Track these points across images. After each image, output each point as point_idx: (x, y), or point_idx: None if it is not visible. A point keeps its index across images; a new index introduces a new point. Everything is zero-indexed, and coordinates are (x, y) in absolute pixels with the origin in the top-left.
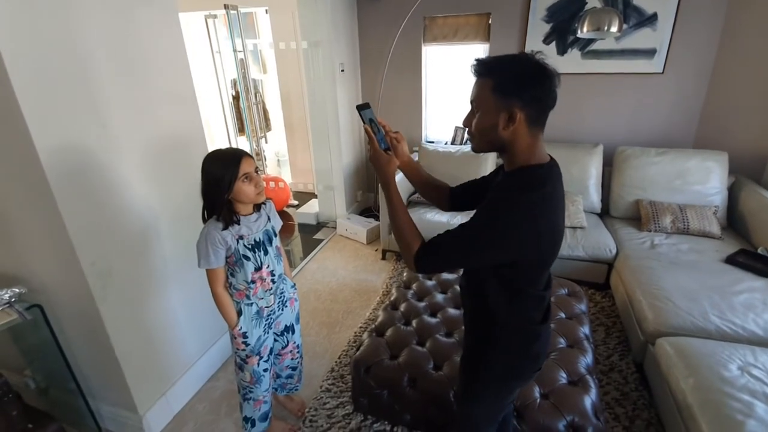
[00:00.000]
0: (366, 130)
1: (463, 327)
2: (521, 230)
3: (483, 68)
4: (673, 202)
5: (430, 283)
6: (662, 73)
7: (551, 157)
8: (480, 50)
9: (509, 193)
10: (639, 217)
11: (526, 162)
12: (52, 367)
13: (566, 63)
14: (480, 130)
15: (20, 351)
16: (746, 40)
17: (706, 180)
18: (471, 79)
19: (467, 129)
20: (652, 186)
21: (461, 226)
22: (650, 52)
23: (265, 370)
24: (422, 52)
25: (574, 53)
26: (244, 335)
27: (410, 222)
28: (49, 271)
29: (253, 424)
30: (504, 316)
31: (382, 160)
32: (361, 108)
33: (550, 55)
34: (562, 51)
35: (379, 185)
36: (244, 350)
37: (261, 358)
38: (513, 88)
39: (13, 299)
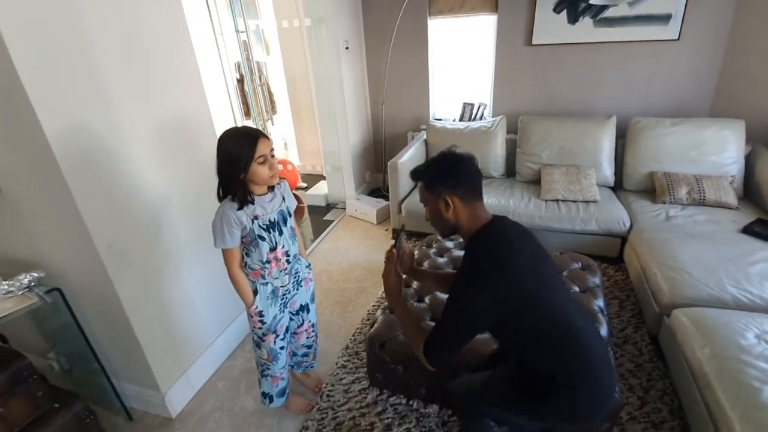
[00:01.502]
0: (392, 254)
1: None
2: (480, 294)
3: (414, 176)
4: (689, 173)
5: (441, 260)
6: (678, 39)
7: (493, 216)
8: (488, 21)
9: (467, 264)
10: (653, 189)
11: (473, 229)
12: (74, 348)
13: (577, 32)
14: (432, 218)
15: (43, 334)
16: (765, 2)
17: (722, 149)
18: (478, 53)
19: (428, 221)
20: (666, 157)
21: (443, 313)
22: (665, 18)
23: (281, 348)
24: (428, 26)
25: (585, 22)
26: (260, 314)
27: (415, 325)
28: (66, 255)
29: (271, 400)
30: (540, 368)
31: (392, 279)
32: (398, 233)
33: (560, 24)
34: (573, 19)
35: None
36: (260, 328)
37: (277, 336)
38: (438, 183)
39: (32, 283)
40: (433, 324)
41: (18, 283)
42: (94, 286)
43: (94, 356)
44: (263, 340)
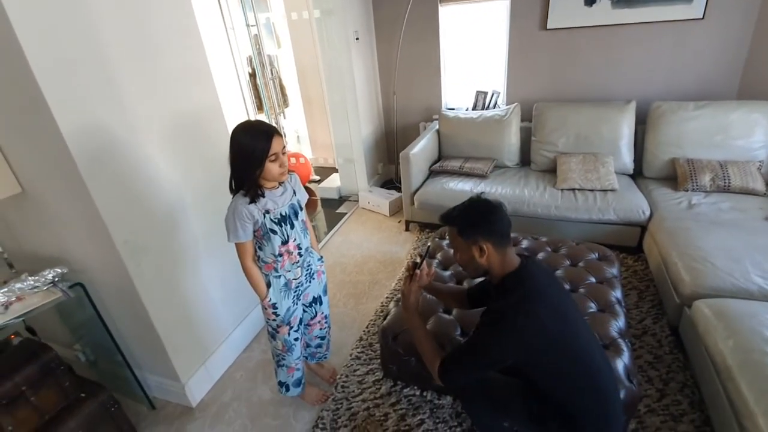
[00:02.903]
0: (415, 273)
1: None
2: (507, 336)
3: (446, 220)
4: (713, 159)
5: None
6: (702, 18)
7: (521, 257)
8: (501, 6)
9: (497, 305)
10: (675, 176)
11: (503, 273)
12: (98, 341)
13: (594, 15)
14: (464, 263)
15: (69, 328)
16: None
17: (750, 134)
18: (491, 40)
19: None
20: (689, 143)
21: (466, 342)
22: None
23: (295, 339)
24: (439, 13)
25: (603, 3)
26: (274, 306)
27: (432, 344)
28: (87, 251)
29: (288, 389)
30: (553, 401)
31: (411, 298)
32: (425, 253)
33: (576, 6)
34: (590, 2)
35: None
36: (274, 320)
37: (291, 327)
38: (472, 231)
39: (56, 279)
40: (459, 340)
41: (43, 279)
42: (113, 280)
43: (116, 348)
44: (278, 332)
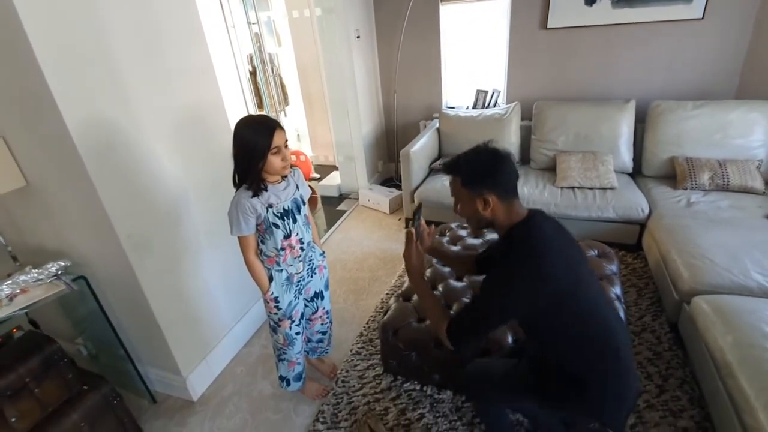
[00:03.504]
0: (411, 234)
1: None
2: (516, 288)
3: (449, 169)
4: (712, 158)
5: (455, 248)
6: (702, 18)
7: (529, 210)
8: (501, 6)
9: (503, 258)
10: (674, 175)
11: (509, 224)
12: (100, 335)
13: (595, 14)
14: (467, 215)
15: (71, 321)
16: None
17: (749, 132)
18: (491, 39)
19: (458, 214)
20: (688, 141)
21: (473, 298)
22: None
23: (297, 334)
24: (440, 12)
25: (603, 3)
26: (276, 300)
27: (438, 306)
28: (90, 245)
29: (288, 383)
30: (567, 365)
31: (414, 259)
32: (418, 210)
33: (577, 6)
34: (590, 1)
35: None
36: (276, 314)
37: (293, 322)
38: (477, 182)
39: (59, 272)
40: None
41: (47, 272)
42: (116, 274)
43: (119, 342)
44: (279, 326)
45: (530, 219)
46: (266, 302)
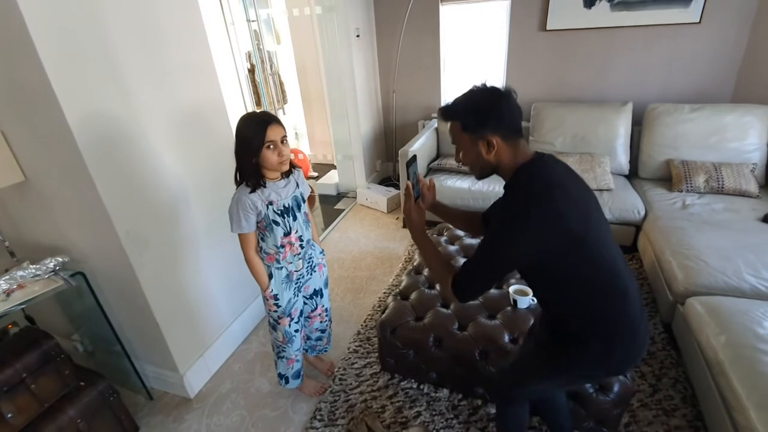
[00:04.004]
0: (408, 187)
1: None
2: (525, 228)
3: (446, 114)
4: (707, 161)
5: (453, 248)
6: (699, 22)
7: (535, 152)
8: (501, 7)
9: (509, 199)
10: (670, 177)
11: (515, 165)
12: (97, 331)
13: (593, 17)
14: (470, 162)
15: (68, 317)
16: None
17: (744, 136)
18: (491, 40)
19: (460, 163)
20: (684, 144)
21: (479, 245)
22: (686, 0)
23: (296, 331)
24: (440, 13)
25: (602, 6)
26: (275, 297)
27: (441, 260)
28: (89, 241)
29: (287, 381)
30: (572, 315)
31: (414, 215)
32: (410, 163)
33: (576, 8)
34: (589, 4)
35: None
36: (275, 311)
37: (292, 319)
38: (478, 124)
39: (57, 267)
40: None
41: (44, 267)
42: (115, 270)
43: (116, 338)
44: (278, 323)
45: (538, 159)
46: (266, 300)
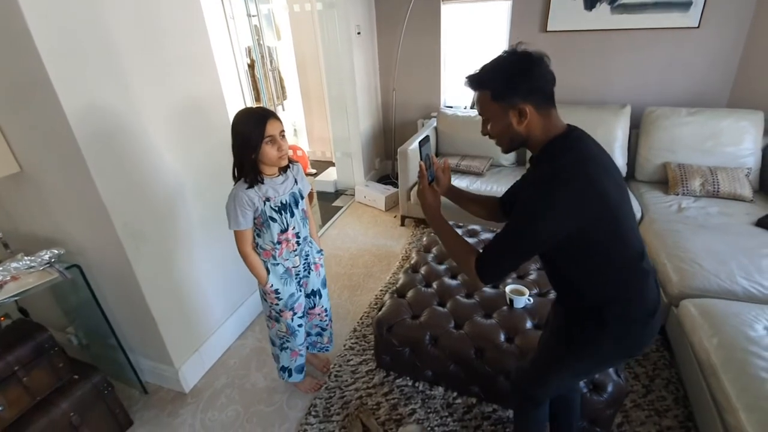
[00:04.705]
0: (421, 167)
1: None
2: (563, 199)
3: (475, 83)
4: (703, 165)
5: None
6: (697, 27)
7: (568, 125)
8: (502, 7)
9: (540, 173)
10: (666, 180)
11: (547, 138)
12: (92, 324)
13: (593, 19)
14: (498, 134)
15: (63, 310)
16: None
17: (739, 141)
18: (491, 38)
19: (488, 136)
20: (681, 148)
21: (507, 224)
22: (685, 5)
23: (299, 326)
24: (441, 12)
25: (602, 8)
26: (276, 291)
27: (461, 241)
28: (85, 233)
29: (290, 374)
30: (593, 295)
31: (428, 197)
32: (422, 143)
33: (576, 10)
34: (589, 6)
35: (422, 208)
36: (277, 305)
37: (295, 314)
38: (509, 91)
39: (52, 259)
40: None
41: (39, 259)
42: (111, 263)
43: (111, 331)
44: (281, 316)
45: (571, 132)
46: (264, 296)
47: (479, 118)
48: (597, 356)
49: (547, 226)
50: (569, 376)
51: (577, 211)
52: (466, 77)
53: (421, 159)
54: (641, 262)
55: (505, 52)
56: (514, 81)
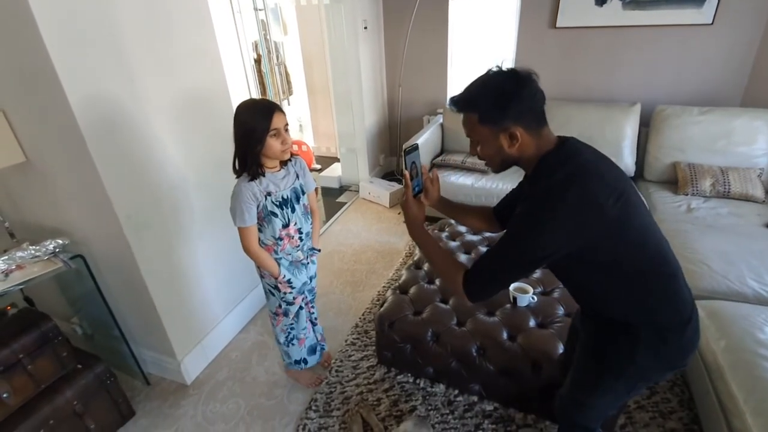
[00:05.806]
0: (404, 177)
1: None
2: (559, 216)
3: (459, 104)
4: (714, 165)
5: (454, 243)
6: (711, 24)
7: (558, 136)
8: (511, 3)
9: (535, 192)
10: (676, 180)
11: (539, 154)
12: (96, 315)
13: (605, 15)
14: (489, 157)
15: (67, 300)
16: None
17: (752, 141)
18: (499, 36)
19: (477, 157)
20: (692, 147)
21: (499, 241)
22: (699, 1)
23: (301, 308)
24: (448, 7)
25: (614, 4)
26: (289, 282)
27: (447, 256)
28: (90, 224)
29: (306, 362)
30: (617, 307)
31: (412, 209)
32: (409, 152)
33: (587, 6)
34: (601, 2)
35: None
36: (290, 293)
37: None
38: (498, 115)
39: (57, 249)
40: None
41: (44, 249)
42: (115, 254)
43: (114, 322)
44: (293, 303)
45: (564, 144)
46: (270, 291)
47: None
48: (636, 373)
49: (541, 246)
50: (612, 398)
51: (576, 227)
52: (451, 99)
53: (405, 168)
54: (662, 266)
55: (491, 70)
56: (502, 104)
